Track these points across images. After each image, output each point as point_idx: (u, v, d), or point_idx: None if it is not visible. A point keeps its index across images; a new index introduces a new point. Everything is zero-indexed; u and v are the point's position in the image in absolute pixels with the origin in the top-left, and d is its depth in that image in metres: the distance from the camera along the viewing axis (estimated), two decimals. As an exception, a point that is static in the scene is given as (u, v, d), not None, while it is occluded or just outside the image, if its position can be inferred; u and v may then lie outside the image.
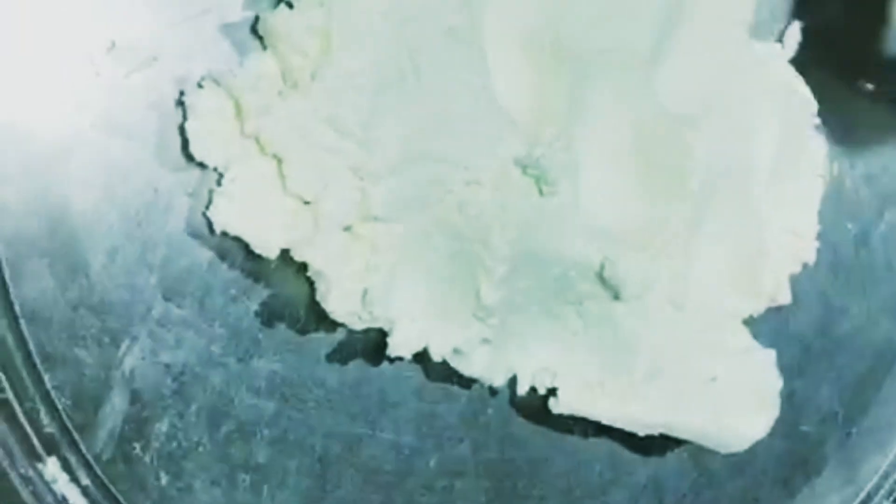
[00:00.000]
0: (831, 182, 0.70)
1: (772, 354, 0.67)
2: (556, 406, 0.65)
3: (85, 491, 0.59)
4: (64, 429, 0.59)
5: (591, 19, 0.62)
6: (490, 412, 0.66)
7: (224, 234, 0.59)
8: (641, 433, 0.66)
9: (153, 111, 0.58)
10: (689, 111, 0.64)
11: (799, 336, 0.71)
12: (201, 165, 0.59)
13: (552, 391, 0.65)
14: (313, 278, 0.61)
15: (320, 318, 0.62)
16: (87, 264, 0.58)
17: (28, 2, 0.56)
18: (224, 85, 0.58)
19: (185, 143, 0.59)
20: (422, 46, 0.60)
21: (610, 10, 0.63)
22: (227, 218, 0.59)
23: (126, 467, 0.60)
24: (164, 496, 0.61)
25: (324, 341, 0.63)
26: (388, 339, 0.62)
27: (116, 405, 0.59)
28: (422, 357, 0.63)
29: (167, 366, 0.60)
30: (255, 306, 0.61)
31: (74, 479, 0.59)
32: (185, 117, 0.58)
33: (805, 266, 0.69)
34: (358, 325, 0.62)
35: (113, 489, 0.60)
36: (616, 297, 0.63)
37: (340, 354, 0.63)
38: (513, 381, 0.65)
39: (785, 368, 0.68)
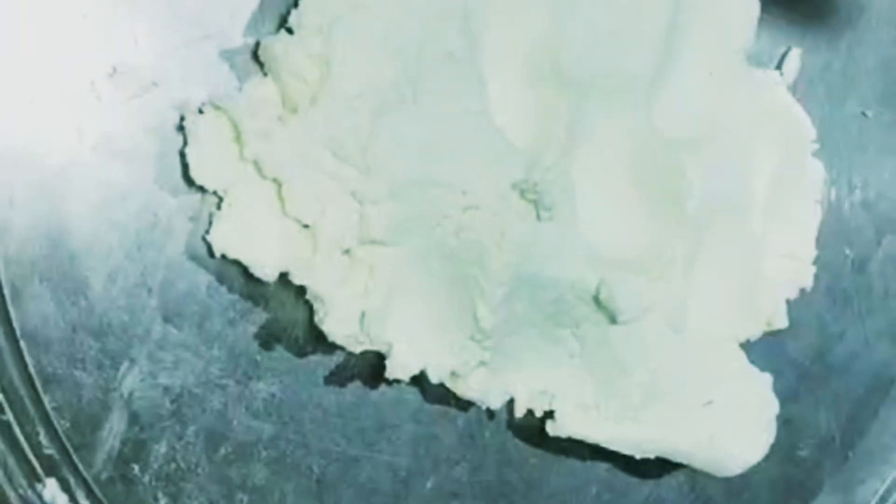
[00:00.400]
0: (829, 208, 0.70)
1: (768, 379, 0.67)
2: (554, 429, 0.66)
3: (84, 511, 0.60)
4: (63, 450, 0.59)
5: (590, 45, 0.63)
6: (487, 434, 0.67)
7: (223, 257, 0.60)
8: (638, 456, 0.66)
9: (154, 135, 0.59)
10: (687, 137, 0.65)
11: (796, 361, 0.71)
12: (201, 189, 0.60)
13: (549, 414, 0.66)
14: (312, 301, 0.62)
15: (319, 341, 0.62)
16: (87, 286, 0.59)
17: (31, 27, 0.57)
18: (224, 109, 0.59)
19: (185, 168, 0.59)
20: (421, 71, 0.60)
21: (609, 37, 0.63)
22: (226, 241, 0.60)
23: (125, 488, 0.60)
24: (163, 517, 0.61)
25: (322, 364, 0.63)
26: (386, 362, 0.62)
27: (115, 426, 0.60)
28: (419, 379, 0.63)
29: (166, 388, 0.60)
30: (253, 329, 0.62)
31: (73, 500, 0.60)
32: (185, 142, 0.59)
33: (802, 291, 0.69)
34: (356, 348, 0.62)
35: (112, 510, 0.60)
36: (612, 320, 0.63)
37: (338, 377, 0.64)
38: (510, 404, 0.66)
39: (782, 393, 0.68)
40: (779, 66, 0.69)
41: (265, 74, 0.60)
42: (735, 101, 0.66)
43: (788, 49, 0.69)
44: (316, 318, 0.62)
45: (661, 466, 0.68)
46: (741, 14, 0.66)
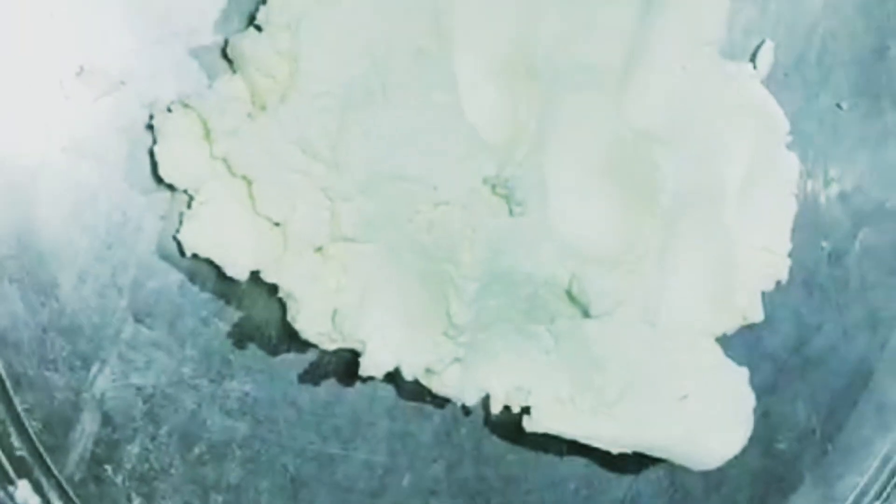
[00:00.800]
0: (805, 200, 0.70)
1: (744, 372, 0.67)
2: (530, 424, 0.66)
3: (57, 513, 0.60)
4: (35, 451, 0.59)
5: (560, 39, 0.63)
6: (464, 431, 0.67)
7: (194, 256, 0.60)
8: (615, 451, 0.66)
9: (122, 135, 0.59)
10: (659, 130, 0.64)
11: (773, 354, 0.71)
12: (171, 188, 0.59)
13: (526, 409, 0.66)
14: (284, 299, 0.61)
15: (292, 339, 0.62)
16: (56, 287, 0.58)
17: (-3, 26, 0.57)
18: (193, 108, 0.59)
19: (154, 166, 0.59)
20: (391, 67, 0.60)
21: (580, 30, 0.63)
22: (197, 240, 0.60)
23: (98, 489, 0.60)
24: (137, 517, 0.61)
25: (295, 362, 0.63)
26: (360, 359, 0.62)
27: (87, 427, 0.60)
28: (394, 376, 0.63)
29: (138, 388, 0.60)
30: (226, 328, 0.62)
31: (46, 502, 0.60)
32: (154, 140, 0.59)
33: (779, 284, 0.69)
34: (329, 346, 0.62)
35: (85, 511, 0.60)
36: (586, 313, 0.63)
37: (312, 375, 0.63)
38: (486, 400, 0.65)
39: (759, 386, 0.68)
40: (752, 59, 0.68)
41: (234, 72, 0.60)
42: (708, 95, 0.65)
43: (762, 41, 0.69)
44: (288, 317, 0.61)
45: (639, 461, 0.68)
46: (713, 6, 0.65)
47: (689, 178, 0.65)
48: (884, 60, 0.71)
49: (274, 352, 0.63)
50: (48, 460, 0.59)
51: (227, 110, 0.59)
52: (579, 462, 0.68)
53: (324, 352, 0.63)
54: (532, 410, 0.65)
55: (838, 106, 0.71)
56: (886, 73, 0.72)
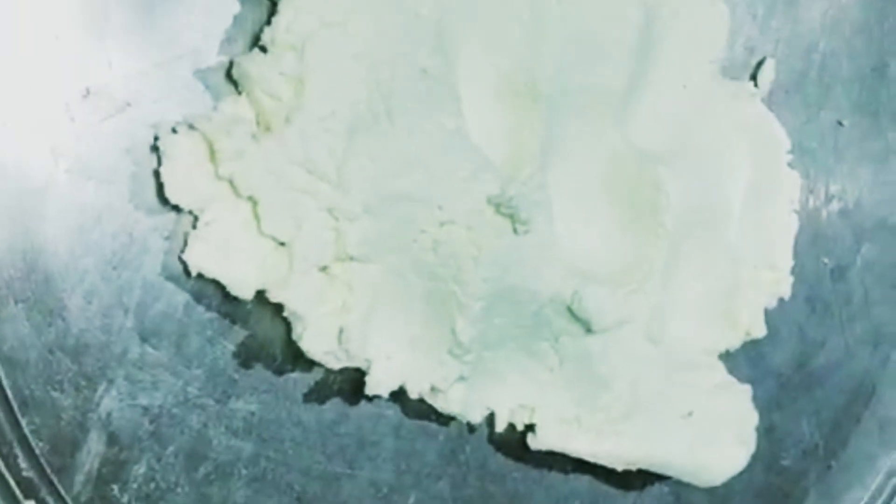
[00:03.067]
0: (807, 217, 0.70)
1: (748, 390, 0.67)
2: (535, 442, 0.66)
3: (64, 533, 0.60)
4: (42, 472, 0.59)
5: (563, 60, 0.63)
6: (468, 449, 0.67)
7: (200, 276, 0.60)
8: (620, 468, 0.66)
9: (128, 156, 0.59)
10: (662, 149, 0.65)
11: (777, 370, 0.71)
12: (176, 209, 0.60)
13: (530, 427, 0.66)
14: (289, 319, 0.62)
15: (297, 358, 0.62)
16: (63, 307, 0.59)
17: (2, 50, 0.57)
18: (198, 129, 0.59)
19: (160, 187, 0.59)
20: (395, 89, 0.60)
21: (582, 51, 0.64)
22: (202, 260, 0.60)
23: (104, 509, 0.60)
24: (143, 537, 0.61)
25: (301, 381, 0.63)
26: (366, 378, 0.62)
27: (94, 448, 0.60)
28: (399, 395, 0.63)
29: (144, 408, 0.60)
30: (231, 347, 0.62)
31: (53, 522, 0.60)
32: (159, 161, 0.59)
33: (781, 300, 0.69)
34: (335, 365, 0.62)
35: (92, 531, 0.60)
36: (588, 330, 0.63)
37: (318, 394, 0.64)
38: (491, 418, 0.66)
39: (763, 402, 0.68)
40: (753, 78, 0.69)
41: (239, 93, 0.60)
42: (709, 113, 0.66)
43: (763, 60, 0.69)
44: (294, 336, 0.62)
45: (643, 478, 0.68)
46: (713, 26, 0.66)
47: (692, 197, 0.65)
48: (884, 78, 0.72)
49: (279, 371, 0.63)
50: (55, 481, 0.59)
51: (232, 131, 0.59)
52: (584, 479, 0.69)
53: (329, 371, 0.63)
54: (537, 428, 0.65)
55: (839, 123, 0.71)
56: (886, 90, 0.72)
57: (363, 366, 0.62)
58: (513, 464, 0.67)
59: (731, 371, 0.68)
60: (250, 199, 0.60)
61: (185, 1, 0.60)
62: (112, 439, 0.60)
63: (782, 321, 0.70)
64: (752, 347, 0.69)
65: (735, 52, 0.69)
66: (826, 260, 0.71)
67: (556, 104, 0.63)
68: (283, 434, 0.63)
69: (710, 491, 0.69)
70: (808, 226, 0.70)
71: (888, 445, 0.73)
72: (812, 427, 0.72)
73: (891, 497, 0.73)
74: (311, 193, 0.60)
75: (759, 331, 0.67)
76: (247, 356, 0.62)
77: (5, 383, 0.58)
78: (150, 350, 0.60)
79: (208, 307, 0.61)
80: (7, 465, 0.58)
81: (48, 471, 0.59)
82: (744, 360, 0.69)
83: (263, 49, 0.59)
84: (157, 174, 0.59)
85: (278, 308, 0.61)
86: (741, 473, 0.68)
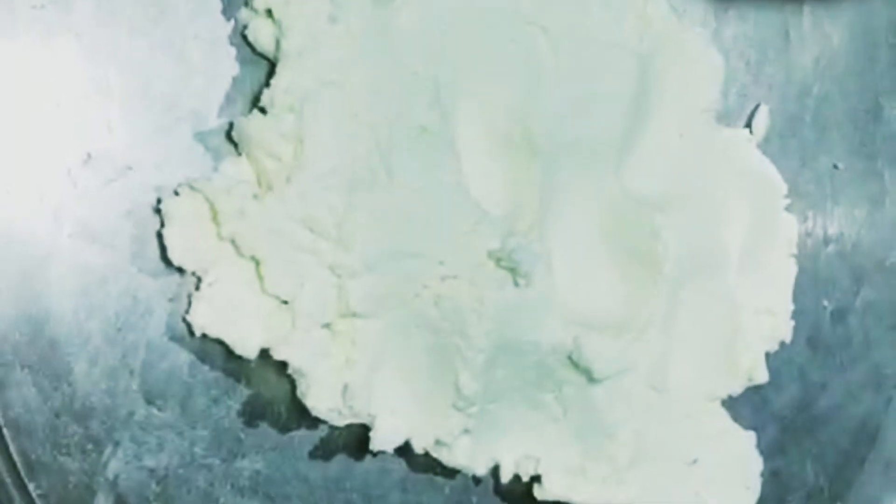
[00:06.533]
0: (805, 260, 0.71)
1: (752, 436, 0.67)
2: (541, 493, 0.66)
3: None
4: (50, 536, 0.59)
5: (560, 112, 0.64)
6: (474, 501, 0.67)
7: (204, 336, 0.60)
8: (627, 517, 0.67)
9: (130, 219, 0.59)
10: (659, 198, 0.65)
11: (780, 414, 0.71)
12: (180, 270, 0.60)
13: (536, 478, 0.66)
14: (294, 376, 0.62)
15: (302, 416, 0.62)
16: (68, 371, 0.59)
17: (4, 117, 0.57)
18: (200, 190, 0.59)
19: (162, 249, 0.59)
20: (394, 146, 0.61)
21: (578, 103, 0.64)
22: (206, 321, 0.60)
23: (113, 572, 0.60)
24: None
25: (306, 438, 0.63)
26: (370, 434, 0.62)
27: (102, 511, 0.60)
28: (404, 449, 0.63)
29: (151, 469, 0.61)
30: (236, 406, 0.62)
31: (61, 586, 0.60)
32: (162, 224, 0.59)
33: (783, 344, 0.69)
34: (339, 421, 0.62)
35: None
36: (590, 379, 0.63)
37: (323, 451, 0.64)
38: (496, 470, 0.66)
39: (767, 446, 0.68)
40: (748, 124, 0.69)
41: (240, 154, 0.61)
42: (706, 161, 0.67)
43: (757, 106, 0.70)
44: (298, 393, 0.62)
45: (650, 525, 0.68)
46: (707, 74, 0.67)
47: (690, 244, 0.66)
48: (878, 120, 0.73)
49: (285, 429, 0.63)
50: (63, 544, 0.59)
51: (233, 192, 0.59)
52: (591, 528, 0.69)
53: (334, 427, 0.63)
54: (542, 479, 0.65)
55: (835, 166, 0.72)
56: (881, 132, 0.73)
57: (368, 422, 0.62)
58: (519, 514, 0.67)
59: (733, 416, 0.68)
60: (253, 258, 0.60)
61: (184, 65, 0.60)
62: (119, 502, 0.60)
63: (784, 365, 0.70)
64: (754, 392, 0.69)
65: (729, 100, 0.69)
66: (826, 302, 0.72)
67: (553, 156, 0.64)
68: (290, 491, 0.63)
69: (718, 537, 0.69)
70: (807, 269, 0.71)
71: (893, 487, 0.73)
72: (816, 470, 0.72)
73: (897, 537, 0.73)
74: (313, 251, 0.60)
75: (762, 376, 0.68)
76: (252, 415, 0.62)
77: (12, 448, 0.58)
78: (155, 411, 0.60)
79: (212, 367, 0.61)
80: (15, 531, 0.59)
81: (56, 535, 0.59)
82: (746, 405, 0.69)
83: (263, 110, 0.60)
84: (159, 236, 0.60)
85: (282, 366, 0.61)
86: (747, 518, 0.68)
